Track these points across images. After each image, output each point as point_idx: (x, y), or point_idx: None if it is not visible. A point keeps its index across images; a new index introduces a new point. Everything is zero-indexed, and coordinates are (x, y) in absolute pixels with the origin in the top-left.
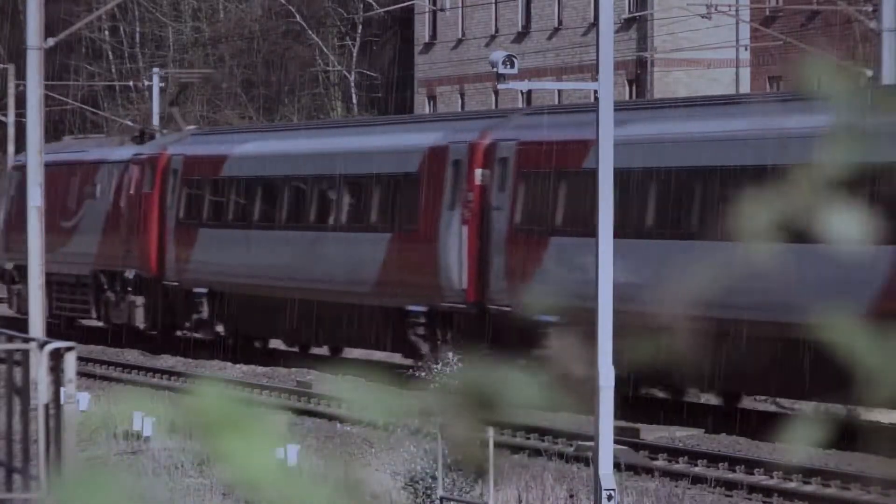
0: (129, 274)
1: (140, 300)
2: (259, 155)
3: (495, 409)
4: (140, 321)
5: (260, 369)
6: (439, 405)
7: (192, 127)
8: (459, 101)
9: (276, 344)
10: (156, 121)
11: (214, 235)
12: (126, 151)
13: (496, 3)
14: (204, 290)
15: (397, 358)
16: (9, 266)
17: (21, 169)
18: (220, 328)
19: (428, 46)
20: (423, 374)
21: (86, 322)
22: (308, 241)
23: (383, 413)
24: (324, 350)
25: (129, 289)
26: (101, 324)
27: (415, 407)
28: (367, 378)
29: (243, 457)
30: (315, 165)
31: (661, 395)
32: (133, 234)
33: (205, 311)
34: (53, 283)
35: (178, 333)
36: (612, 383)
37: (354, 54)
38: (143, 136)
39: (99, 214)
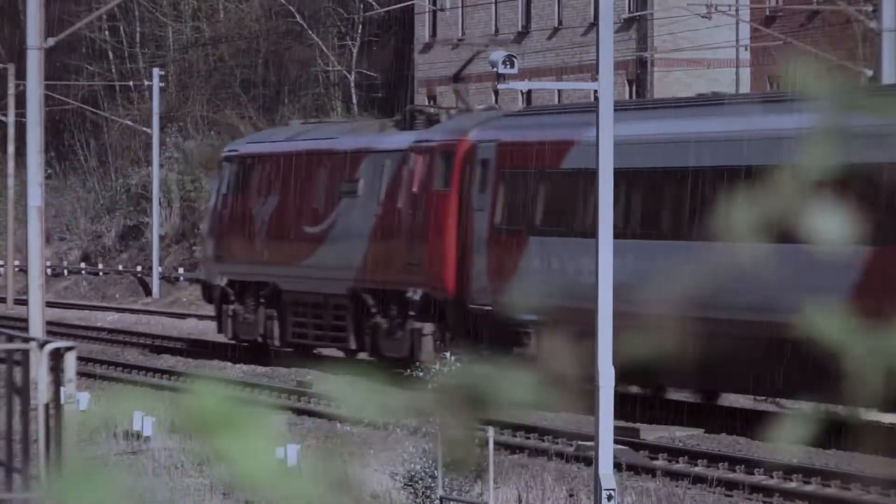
0: (414, 294)
1: (428, 328)
2: (636, 140)
3: (490, 406)
4: (427, 354)
5: (260, 369)
6: (435, 403)
7: (481, 106)
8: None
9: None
10: (155, 121)
11: (555, 246)
12: (401, 138)
13: (496, 3)
14: (533, 318)
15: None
16: (220, 282)
17: (235, 160)
18: (561, 370)
19: (428, 46)
20: (420, 374)
21: (326, 351)
22: (722, 254)
23: (378, 410)
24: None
25: (412, 313)
26: (345, 353)
27: (410, 405)
28: (366, 378)
29: (241, 456)
30: (748, 153)
31: None
32: (418, 244)
33: (533, 345)
34: (289, 304)
35: None
36: (612, 383)
37: (354, 54)
38: (411, 119)
39: (363, 218)
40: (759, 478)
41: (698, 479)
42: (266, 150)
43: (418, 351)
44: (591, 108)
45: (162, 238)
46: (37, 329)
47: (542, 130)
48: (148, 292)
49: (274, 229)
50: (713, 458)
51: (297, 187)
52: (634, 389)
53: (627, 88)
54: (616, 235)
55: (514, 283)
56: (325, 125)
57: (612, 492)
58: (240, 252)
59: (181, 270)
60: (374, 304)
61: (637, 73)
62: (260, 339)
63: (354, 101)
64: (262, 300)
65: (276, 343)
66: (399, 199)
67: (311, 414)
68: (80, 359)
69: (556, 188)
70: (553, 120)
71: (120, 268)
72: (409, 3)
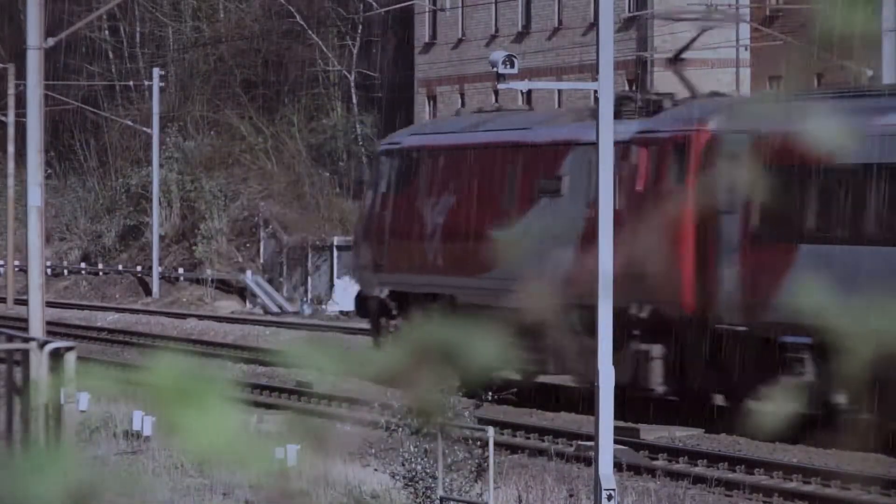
0: (640, 310)
1: (658, 350)
2: None
3: (455, 365)
4: (656, 381)
5: (260, 369)
6: (399, 360)
7: (705, 91)
8: (459, 101)
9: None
10: (155, 121)
11: (838, 256)
12: (617, 128)
13: (496, 3)
14: (805, 340)
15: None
16: (379, 293)
17: (398, 154)
18: (839, 400)
19: (428, 46)
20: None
21: (544, 378)
22: None
23: (344, 370)
24: None
25: (636, 332)
26: (561, 380)
27: (373, 363)
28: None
29: (199, 423)
30: None
31: None
32: (645, 251)
33: (808, 373)
34: (470, 319)
35: (752, 406)
36: (612, 383)
37: (354, 54)
38: (618, 106)
39: (568, 220)
40: (759, 478)
41: (698, 479)
42: (439, 142)
43: (644, 377)
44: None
45: (162, 238)
46: (37, 329)
47: (818, 119)
48: (148, 292)
49: (451, 234)
50: (713, 458)
51: (481, 185)
52: None
53: (627, 88)
54: None
55: (778, 299)
56: (510, 114)
57: (612, 492)
58: (406, 260)
59: (181, 270)
60: (584, 321)
61: (637, 73)
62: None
63: (354, 101)
64: (434, 315)
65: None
66: (617, 199)
67: (311, 414)
68: (80, 359)
69: (839, 187)
70: (829, 106)
71: (120, 268)
72: (409, 3)
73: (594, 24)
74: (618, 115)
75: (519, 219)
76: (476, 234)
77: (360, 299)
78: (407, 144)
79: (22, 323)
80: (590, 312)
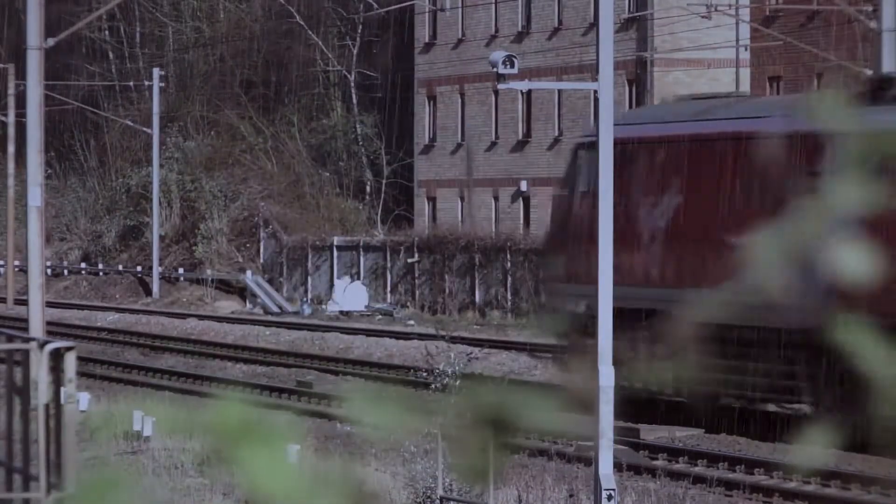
0: None
1: None
2: None
3: (511, 431)
4: None
5: (260, 369)
6: (452, 430)
7: None
8: (459, 101)
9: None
10: (155, 121)
11: None
12: (887, 117)
13: (496, 3)
14: None
15: (397, 359)
16: (576, 308)
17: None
18: None
19: (428, 46)
20: (431, 380)
21: (774, 408)
22: None
23: (391, 426)
24: (320, 349)
25: None
26: (807, 411)
27: (425, 426)
28: (370, 381)
29: (265, 470)
30: None
31: None
32: None
33: None
34: (695, 340)
35: None
36: (612, 383)
37: (354, 54)
38: (879, 89)
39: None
40: (758, 478)
41: (698, 479)
42: (657, 132)
43: None
44: None
45: (162, 238)
46: (37, 329)
47: None
48: (148, 292)
49: (673, 239)
50: (713, 458)
51: (715, 182)
52: None
53: (627, 88)
54: None
55: None
56: (743, 100)
57: (612, 492)
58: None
59: (181, 270)
60: (861, 342)
61: (637, 73)
62: (640, 386)
63: (354, 101)
64: (649, 334)
65: (669, 392)
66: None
67: (311, 414)
68: (80, 359)
69: None
70: None
71: (120, 268)
72: (409, 3)
73: (594, 24)
74: (879, 100)
75: (764, 221)
76: (707, 238)
77: (548, 314)
78: (617, 136)
79: (22, 323)
80: (878, 331)
